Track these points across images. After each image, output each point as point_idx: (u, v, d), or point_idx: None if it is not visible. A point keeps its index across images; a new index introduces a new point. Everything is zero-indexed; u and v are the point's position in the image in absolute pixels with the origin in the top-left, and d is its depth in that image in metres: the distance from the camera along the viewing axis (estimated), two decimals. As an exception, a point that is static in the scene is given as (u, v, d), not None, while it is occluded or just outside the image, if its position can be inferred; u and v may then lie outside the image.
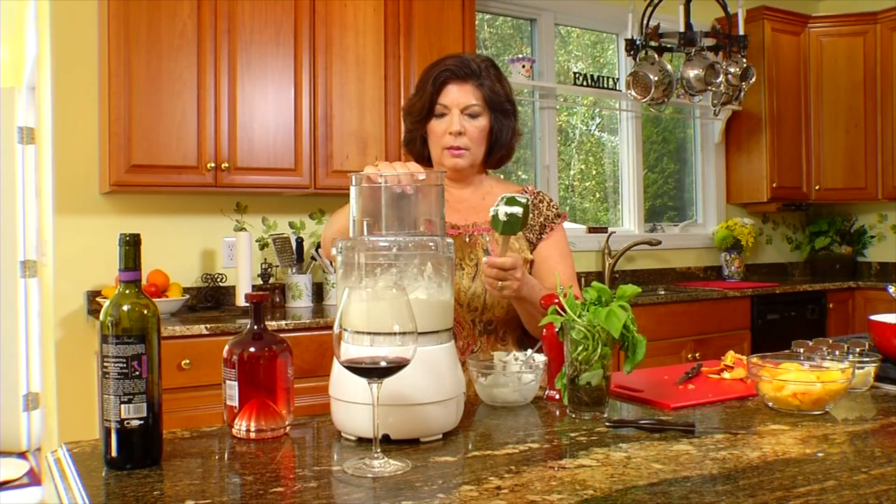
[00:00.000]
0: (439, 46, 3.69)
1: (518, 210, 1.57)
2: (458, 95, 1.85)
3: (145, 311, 1.16)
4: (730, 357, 1.81)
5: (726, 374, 1.74)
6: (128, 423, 1.13)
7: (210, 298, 3.51)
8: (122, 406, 1.13)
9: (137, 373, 1.13)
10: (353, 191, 1.39)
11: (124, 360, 1.13)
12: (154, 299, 3.04)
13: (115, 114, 3.04)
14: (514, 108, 1.94)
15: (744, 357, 1.72)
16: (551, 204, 2.01)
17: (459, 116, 1.85)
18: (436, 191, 1.39)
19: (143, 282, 3.28)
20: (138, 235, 1.20)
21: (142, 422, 1.14)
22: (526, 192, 1.98)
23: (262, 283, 3.56)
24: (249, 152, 3.30)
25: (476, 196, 1.96)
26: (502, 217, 1.58)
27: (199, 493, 1.04)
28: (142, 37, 3.08)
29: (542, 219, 1.97)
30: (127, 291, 1.17)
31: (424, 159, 1.96)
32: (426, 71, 1.91)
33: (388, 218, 1.36)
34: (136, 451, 1.14)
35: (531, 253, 1.95)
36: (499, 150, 1.94)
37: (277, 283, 3.61)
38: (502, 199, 1.59)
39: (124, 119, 3.05)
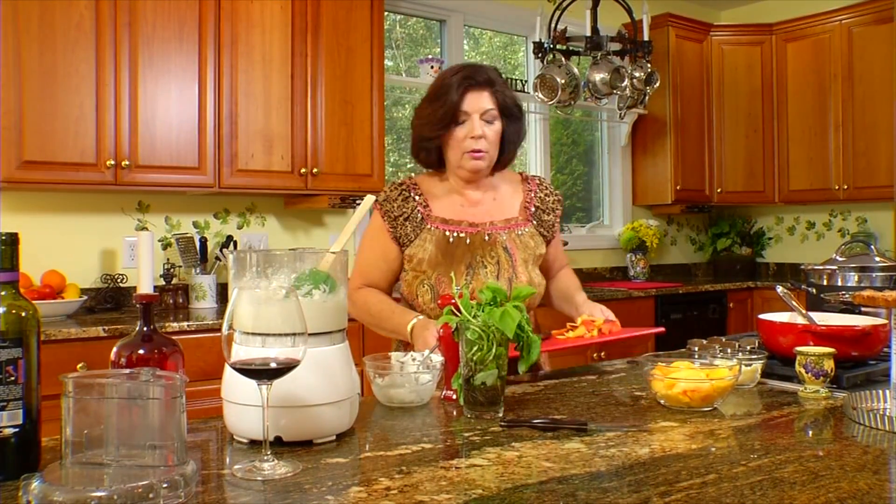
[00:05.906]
0: (347, 45, 3.67)
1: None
2: (477, 102, 1.97)
3: (24, 314, 1.11)
4: (579, 321, 1.99)
5: (570, 333, 1.94)
6: (0, 432, 1.08)
7: (110, 299, 3.40)
8: (-4, 413, 1.08)
9: (13, 378, 1.08)
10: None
11: (-1, 365, 1.08)
12: (49, 300, 3.01)
13: (4, 107, 2.90)
14: (522, 113, 2.08)
15: (593, 319, 1.96)
16: (555, 194, 2.17)
17: (479, 122, 1.96)
18: None
19: (37, 282, 3.18)
20: (16, 234, 1.15)
21: (17, 430, 1.09)
22: (534, 179, 2.17)
23: (164, 283, 3.47)
24: (151, 150, 3.21)
25: (488, 197, 2.09)
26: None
27: (76, 501, 1.00)
28: (33, 27, 2.95)
29: (553, 216, 2.14)
30: (3, 293, 1.12)
31: (433, 166, 2.10)
32: (443, 81, 2.00)
33: None
34: (10, 462, 1.09)
35: (546, 246, 2.12)
36: (509, 153, 2.08)
37: (181, 283, 3.53)
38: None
39: (15, 112, 2.92)
